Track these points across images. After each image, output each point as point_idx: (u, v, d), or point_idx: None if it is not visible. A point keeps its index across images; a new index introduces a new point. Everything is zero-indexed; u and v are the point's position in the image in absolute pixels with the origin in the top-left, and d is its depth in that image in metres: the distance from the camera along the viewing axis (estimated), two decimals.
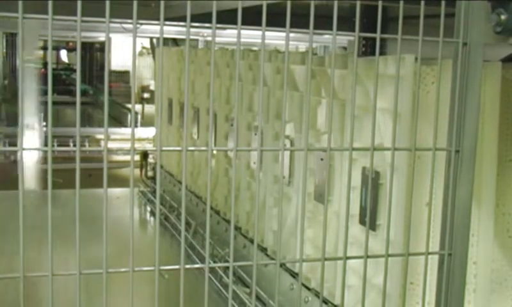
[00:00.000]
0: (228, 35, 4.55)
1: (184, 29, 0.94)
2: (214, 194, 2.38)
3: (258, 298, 1.82)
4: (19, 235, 0.87)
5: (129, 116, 6.94)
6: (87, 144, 5.83)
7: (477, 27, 1.10)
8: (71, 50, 13.51)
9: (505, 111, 1.39)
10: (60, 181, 1.91)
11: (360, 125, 1.41)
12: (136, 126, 5.28)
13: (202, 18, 1.18)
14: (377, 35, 1.07)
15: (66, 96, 8.89)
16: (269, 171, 1.92)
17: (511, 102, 1.42)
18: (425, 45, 1.08)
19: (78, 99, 0.93)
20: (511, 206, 1.43)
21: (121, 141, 5.83)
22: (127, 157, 3.35)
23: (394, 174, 1.18)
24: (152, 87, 9.36)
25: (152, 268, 0.97)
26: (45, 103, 4.60)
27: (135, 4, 0.91)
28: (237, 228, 2.12)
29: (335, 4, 0.99)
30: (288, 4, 0.94)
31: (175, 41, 5.34)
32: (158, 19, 0.95)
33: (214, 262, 2.04)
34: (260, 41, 1.00)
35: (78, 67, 0.90)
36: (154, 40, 6.41)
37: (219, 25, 0.97)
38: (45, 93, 4.49)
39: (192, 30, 0.95)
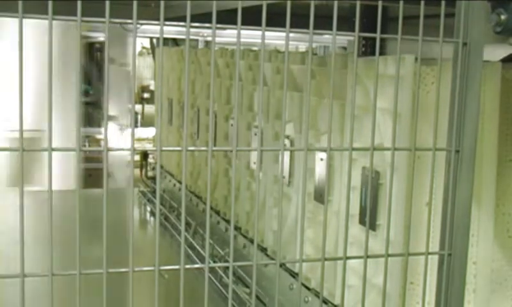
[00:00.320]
0: (228, 35, 4.54)
1: (184, 29, 0.94)
2: (214, 194, 2.38)
3: (258, 298, 1.82)
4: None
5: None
6: (87, 144, 5.84)
7: (477, 27, 1.10)
8: None
9: (505, 111, 1.39)
10: None
11: (360, 125, 1.41)
12: (135, 126, 5.30)
13: (202, 18, 1.18)
14: (377, 35, 1.07)
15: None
16: (269, 171, 1.92)
17: (511, 102, 1.42)
18: (425, 45, 1.08)
19: (78, 99, 0.93)
20: (511, 206, 1.43)
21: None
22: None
23: (394, 174, 1.18)
24: (151, 87, 9.36)
25: (151, 268, 0.97)
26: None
27: (135, 4, 0.91)
28: (237, 228, 2.12)
29: (335, 4, 0.99)
30: (288, 4, 0.94)
31: (175, 41, 5.35)
32: (158, 19, 0.95)
33: (214, 262, 2.04)
34: (260, 41, 1.00)
35: (78, 67, 0.90)
36: (154, 40, 6.41)
37: (219, 25, 0.97)
38: None
39: (192, 30, 0.95)
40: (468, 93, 1.10)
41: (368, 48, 2.66)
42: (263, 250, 1.94)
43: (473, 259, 1.34)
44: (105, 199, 0.93)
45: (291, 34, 1.01)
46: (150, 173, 3.26)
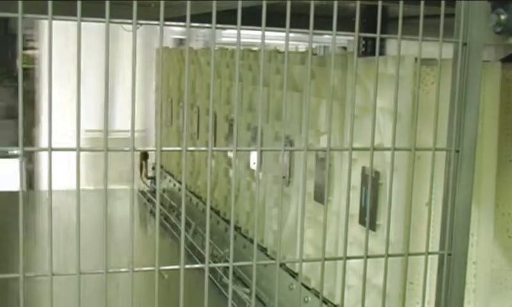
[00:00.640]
0: (228, 35, 4.54)
1: (183, 29, 0.94)
2: (214, 194, 2.38)
3: (258, 298, 1.82)
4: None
5: None
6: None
7: (476, 27, 1.10)
8: None
9: (505, 111, 1.39)
10: None
11: (360, 125, 1.41)
12: None
13: (202, 18, 1.18)
14: (377, 35, 1.07)
15: None
16: (269, 171, 1.92)
17: (511, 102, 1.42)
18: (425, 45, 1.08)
19: (78, 99, 0.93)
20: (511, 206, 1.43)
21: None
22: None
23: (394, 174, 1.18)
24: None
25: (151, 268, 0.97)
26: None
27: (135, 4, 0.91)
28: (236, 228, 2.12)
29: (335, 4, 0.99)
30: (288, 4, 0.94)
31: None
32: (158, 19, 0.95)
33: (214, 262, 2.04)
34: (260, 41, 1.00)
35: (78, 67, 0.89)
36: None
37: (219, 25, 0.97)
38: None
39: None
40: (468, 93, 1.10)
41: (368, 48, 2.67)
42: (263, 250, 1.94)
43: (473, 259, 1.34)
44: (105, 199, 0.93)
45: (291, 34, 1.01)
46: (150, 173, 3.26)
